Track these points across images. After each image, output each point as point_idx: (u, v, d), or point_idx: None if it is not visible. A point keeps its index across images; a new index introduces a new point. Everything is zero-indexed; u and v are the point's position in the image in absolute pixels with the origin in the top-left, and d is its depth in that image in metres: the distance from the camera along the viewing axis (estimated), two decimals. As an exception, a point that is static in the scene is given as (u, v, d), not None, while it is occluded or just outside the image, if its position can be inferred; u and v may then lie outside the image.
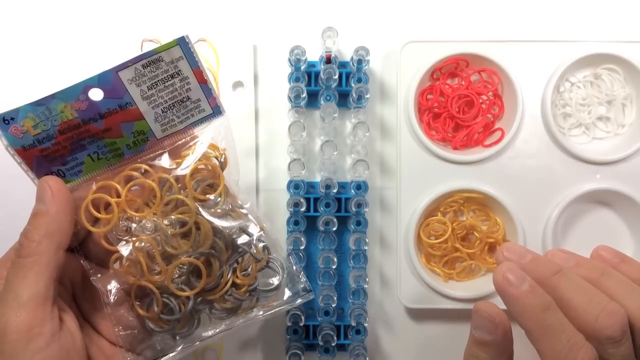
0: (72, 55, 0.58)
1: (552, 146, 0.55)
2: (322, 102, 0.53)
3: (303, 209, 0.53)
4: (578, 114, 0.56)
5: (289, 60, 0.54)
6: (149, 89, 0.40)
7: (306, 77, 0.54)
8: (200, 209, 0.42)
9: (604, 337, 0.34)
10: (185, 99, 0.42)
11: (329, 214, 0.53)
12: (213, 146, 0.44)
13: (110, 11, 0.58)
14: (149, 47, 0.57)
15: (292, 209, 0.53)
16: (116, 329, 0.42)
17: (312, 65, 0.56)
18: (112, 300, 0.42)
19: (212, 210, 0.43)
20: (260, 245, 0.44)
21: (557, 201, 0.55)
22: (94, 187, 0.42)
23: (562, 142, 0.55)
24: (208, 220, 0.42)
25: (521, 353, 0.39)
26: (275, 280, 0.45)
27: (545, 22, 0.58)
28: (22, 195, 0.55)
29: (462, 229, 0.56)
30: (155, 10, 0.58)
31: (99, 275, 0.42)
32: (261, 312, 0.44)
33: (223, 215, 0.43)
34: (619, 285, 0.36)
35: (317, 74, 0.55)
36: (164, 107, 0.41)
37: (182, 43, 0.40)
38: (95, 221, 0.42)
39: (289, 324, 0.53)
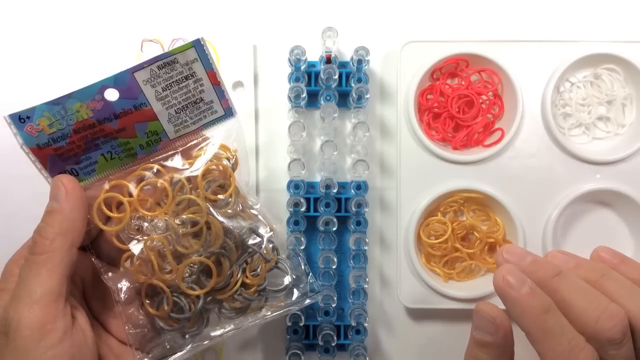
0: (72, 55, 0.58)
1: (552, 146, 0.56)
2: (322, 102, 0.53)
3: (303, 209, 0.53)
4: (578, 114, 0.56)
5: (289, 60, 0.55)
6: (163, 90, 0.41)
7: (306, 77, 0.55)
8: (211, 209, 0.43)
9: (604, 339, 0.34)
10: (198, 101, 0.42)
11: (329, 214, 0.53)
12: (224, 147, 0.45)
13: (110, 11, 0.58)
14: (149, 47, 0.57)
15: (292, 209, 0.53)
16: (126, 328, 0.43)
17: (312, 65, 0.56)
18: (122, 298, 0.43)
19: (223, 210, 0.44)
20: (270, 245, 0.45)
21: (557, 201, 0.55)
22: (106, 186, 0.43)
23: (562, 142, 0.55)
24: (219, 220, 0.43)
25: (522, 354, 0.38)
26: (284, 281, 0.45)
27: (545, 22, 0.58)
28: (23, 195, 0.55)
29: (462, 229, 0.56)
30: (155, 10, 0.58)
31: (110, 273, 0.43)
32: (269, 313, 0.45)
33: (233, 216, 0.44)
34: (619, 286, 0.37)
35: (317, 74, 0.56)
36: (177, 108, 0.42)
37: (197, 45, 0.40)
38: (107, 220, 0.43)
39: (289, 324, 0.53)
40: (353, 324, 0.54)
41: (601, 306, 0.34)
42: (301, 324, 0.53)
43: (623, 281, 0.37)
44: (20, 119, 0.39)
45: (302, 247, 0.52)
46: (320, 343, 0.54)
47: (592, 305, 0.34)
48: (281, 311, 0.44)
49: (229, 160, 0.44)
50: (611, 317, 0.34)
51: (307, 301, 0.45)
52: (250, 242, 0.43)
